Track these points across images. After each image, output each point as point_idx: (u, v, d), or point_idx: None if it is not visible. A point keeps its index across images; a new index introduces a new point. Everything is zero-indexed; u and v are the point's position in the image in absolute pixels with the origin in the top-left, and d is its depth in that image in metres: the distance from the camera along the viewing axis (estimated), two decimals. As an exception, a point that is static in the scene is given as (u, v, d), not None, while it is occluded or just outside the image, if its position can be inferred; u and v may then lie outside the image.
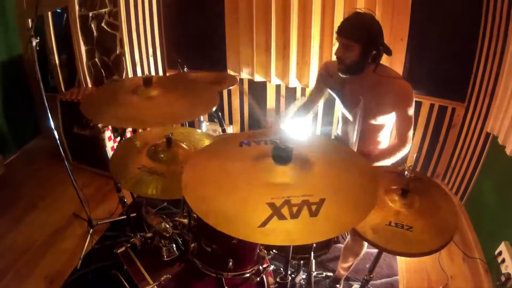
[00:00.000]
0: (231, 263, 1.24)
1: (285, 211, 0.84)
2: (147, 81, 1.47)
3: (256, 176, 0.97)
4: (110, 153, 2.98)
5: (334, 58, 1.56)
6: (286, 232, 0.82)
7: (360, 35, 1.40)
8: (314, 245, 1.42)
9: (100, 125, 1.69)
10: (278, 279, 1.27)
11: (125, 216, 2.60)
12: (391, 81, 1.51)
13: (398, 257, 2.20)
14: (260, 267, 1.54)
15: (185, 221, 1.32)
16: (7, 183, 3.24)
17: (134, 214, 2.13)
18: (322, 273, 1.94)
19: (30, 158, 3.73)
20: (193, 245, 1.29)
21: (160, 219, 1.43)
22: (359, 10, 1.45)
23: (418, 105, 2.53)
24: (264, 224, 0.80)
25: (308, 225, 0.83)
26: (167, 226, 1.40)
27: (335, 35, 1.51)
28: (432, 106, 2.53)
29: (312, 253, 1.43)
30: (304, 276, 1.76)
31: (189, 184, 0.97)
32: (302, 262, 1.60)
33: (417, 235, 1.07)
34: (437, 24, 2.33)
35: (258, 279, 1.56)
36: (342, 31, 1.43)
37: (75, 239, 2.47)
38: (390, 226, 1.09)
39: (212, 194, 0.94)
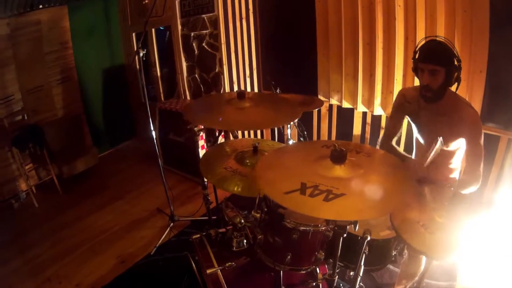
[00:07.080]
0: (289, 257, 1.55)
1: (309, 190, 1.21)
2: (241, 95, 1.91)
3: (311, 165, 1.37)
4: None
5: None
6: (297, 203, 1.18)
7: (445, 59, 1.63)
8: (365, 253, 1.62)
9: (196, 129, 2.16)
10: (326, 276, 1.52)
11: (206, 217, 3.01)
12: (464, 108, 1.70)
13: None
14: (318, 271, 1.81)
15: (258, 215, 1.67)
16: (98, 173, 4.00)
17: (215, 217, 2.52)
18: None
19: (122, 156, 4.55)
20: (260, 237, 1.64)
21: (236, 212, 1.80)
22: (434, 38, 1.68)
23: (496, 139, 2.49)
24: (288, 193, 1.20)
25: (317, 205, 1.16)
26: (241, 219, 1.76)
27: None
28: (510, 141, 2.46)
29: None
30: (352, 273, 1.90)
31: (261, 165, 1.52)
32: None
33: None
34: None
35: (314, 284, 1.83)
36: (429, 58, 1.65)
37: (154, 230, 2.97)
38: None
39: (274, 174, 1.41)
